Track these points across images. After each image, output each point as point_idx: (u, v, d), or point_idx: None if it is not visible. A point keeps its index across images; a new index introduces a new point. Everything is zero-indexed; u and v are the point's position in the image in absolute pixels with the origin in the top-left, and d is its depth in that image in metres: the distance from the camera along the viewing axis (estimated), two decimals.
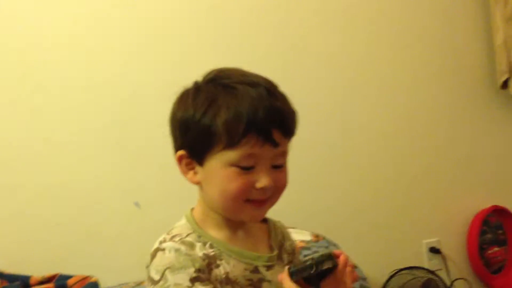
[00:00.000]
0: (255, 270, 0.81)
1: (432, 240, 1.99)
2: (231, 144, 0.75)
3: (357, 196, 1.88)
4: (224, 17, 1.70)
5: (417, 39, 1.96)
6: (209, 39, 1.67)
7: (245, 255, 0.82)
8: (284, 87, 0.81)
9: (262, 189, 0.77)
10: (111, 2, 1.60)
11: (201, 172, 0.80)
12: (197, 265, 0.75)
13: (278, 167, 0.79)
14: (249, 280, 0.80)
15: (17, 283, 1.34)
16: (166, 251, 0.76)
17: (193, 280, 0.74)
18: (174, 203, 1.52)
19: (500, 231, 2.07)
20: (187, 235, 0.79)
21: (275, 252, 0.86)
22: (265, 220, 0.90)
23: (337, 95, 1.86)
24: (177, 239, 0.78)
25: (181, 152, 0.81)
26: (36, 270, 1.40)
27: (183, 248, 0.76)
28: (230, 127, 0.75)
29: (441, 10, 1.99)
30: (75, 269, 1.42)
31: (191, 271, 0.74)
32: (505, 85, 2.01)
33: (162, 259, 0.76)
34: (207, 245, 0.79)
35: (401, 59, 1.94)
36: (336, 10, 1.85)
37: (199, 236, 0.80)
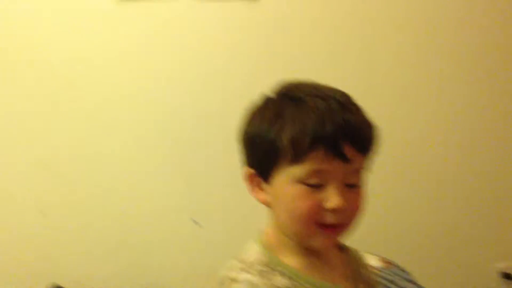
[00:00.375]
0: None
1: (504, 265, 1.86)
2: (297, 158, 0.70)
3: (426, 219, 1.80)
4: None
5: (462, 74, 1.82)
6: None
7: (323, 286, 0.75)
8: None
9: (334, 210, 0.70)
10: None
11: (269, 190, 0.75)
12: None
13: (352, 187, 0.73)
14: None
15: None
16: (241, 285, 0.72)
17: None
18: (235, 222, 1.58)
19: None
20: (264, 265, 0.74)
21: (351, 283, 0.80)
22: (340, 247, 0.83)
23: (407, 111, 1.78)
24: (254, 269, 0.73)
25: (249, 170, 0.77)
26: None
27: (261, 284, 0.71)
28: (296, 140, 0.71)
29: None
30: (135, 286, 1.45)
31: None
32: None
33: None
34: (284, 276, 0.74)
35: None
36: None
37: (276, 265, 0.74)
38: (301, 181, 0.71)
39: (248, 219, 1.27)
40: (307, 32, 1.70)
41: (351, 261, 0.84)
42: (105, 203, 1.55)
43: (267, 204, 0.77)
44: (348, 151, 0.71)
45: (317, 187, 0.71)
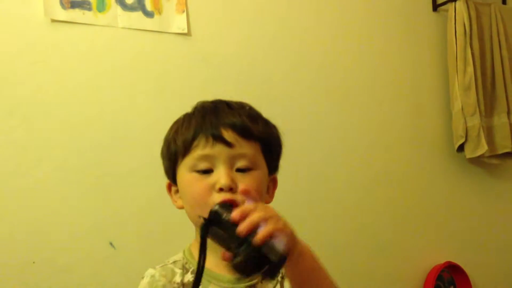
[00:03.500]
0: None
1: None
2: (186, 151, 0.81)
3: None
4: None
5: (385, 101, 2.10)
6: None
7: (225, 279, 0.82)
8: None
9: (221, 189, 0.76)
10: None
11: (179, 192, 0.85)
12: None
13: (243, 171, 0.79)
14: None
15: None
16: (145, 278, 0.82)
17: None
18: (150, 245, 1.59)
19: (451, 287, 2.18)
20: (173, 262, 0.84)
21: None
22: None
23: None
24: (159, 265, 0.83)
25: (167, 181, 0.88)
26: None
27: (157, 274, 0.81)
28: (184, 137, 0.82)
29: (407, 78, 2.16)
30: None
31: None
32: (461, 148, 2.16)
33: (139, 286, 0.82)
34: (190, 272, 0.82)
35: (369, 119, 2.07)
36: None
37: (186, 263, 0.83)
38: (193, 169, 0.80)
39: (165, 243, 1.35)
40: (232, 65, 1.82)
41: None
42: (22, 222, 1.50)
43: (183, 207, 0.84)
44: (229, 136, 0.79)
45: (207, 172, 0.79)
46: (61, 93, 1.58)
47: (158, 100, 1.70)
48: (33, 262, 1.48)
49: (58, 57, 1.58)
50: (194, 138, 0.81)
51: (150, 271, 0.83)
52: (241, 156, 0.80)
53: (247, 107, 0.87)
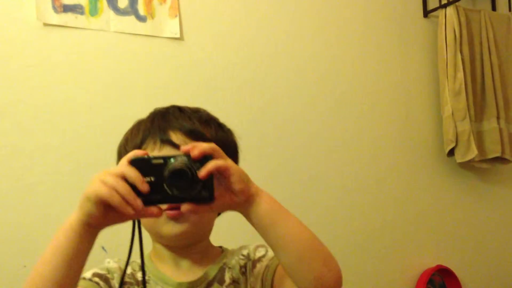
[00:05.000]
0: None
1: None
2: None
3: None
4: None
5: (376, 106, 2.12)
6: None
7: (170, 282, 0.84)
8: None
9: None
10: None
11: None
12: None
13: None
14: None
15: None
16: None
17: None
18: None
19: None
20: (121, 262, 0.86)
21: (199, 277, 0.85)
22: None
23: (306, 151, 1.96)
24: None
25: None
26: None
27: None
28: (133, 143, 0.82)
29: (398, 83, 2.18)
30: None
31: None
32: (451, 153, 2.18)
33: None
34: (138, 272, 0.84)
35: (359, 123, 2.08)
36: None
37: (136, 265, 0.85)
38: None
39: None
40: (224, 70, 1.82)
41: (221, 259, 0.89)
42: (9, 226, 1.49)
43: None
44: (177, 139, 0.79)
45: None
46: (53, 96, 1.58)
47: (150, 104, 1.67)
48: (24, 266, 1.47)
49: (51, 61, 1.58)
50: (142, 142, 0.81)
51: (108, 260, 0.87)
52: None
53: (201, 112, 0.87)
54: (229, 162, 0.67)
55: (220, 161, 0.65)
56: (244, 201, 0.68)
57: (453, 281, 2.17)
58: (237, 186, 0.66)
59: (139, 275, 0.84)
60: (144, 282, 0.80)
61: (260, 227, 0.71)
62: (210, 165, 0.64)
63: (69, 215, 0.69)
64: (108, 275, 0.85)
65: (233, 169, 0.66)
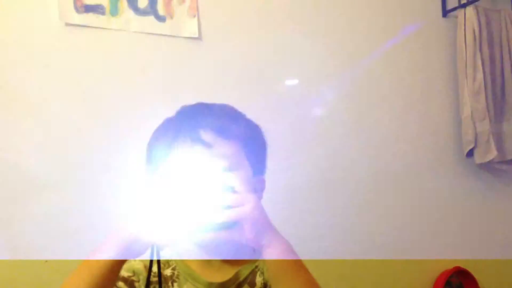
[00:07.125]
0: None
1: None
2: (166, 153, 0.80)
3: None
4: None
5: (394, 107, 2.11)
6: None
7: (200, 280, 0.84)
8: None
9: None
10: None
11: None
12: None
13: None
14: None
15: None
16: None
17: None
18: None
19: None
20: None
21: (230, 277, 0.85)
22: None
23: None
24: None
25: None
26: None
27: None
28: (163, 141, 0.82)
29: (416, 83, 2.16)
30: None
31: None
32: (470, 153, 2.16)
33: None
34: (170, 268, 0.85)
35: (378, 124, 2.07)
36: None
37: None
38: None
39: None
40: (243, 70, 1.83)
41: (252, 264, 0.89)
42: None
43: None
44: (207, 137, 0.78)
45: None
46: (74, 96, 1.61)
47: (169, 104, 1.70)
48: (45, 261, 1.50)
49: (72, 61, 1.61)
50: (173, 141, 0.81)
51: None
52: (221, 156, 0.78)
53: (228, 108, 0.87)
54: (247, 209, 0.70)
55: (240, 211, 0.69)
56: (253, 248, 0.72)
57: (471, 283, 2.15)
58: (247, 235, 0.70)
59: (166, 272, 0.85)
60: (159, 275, 0.80)
61: (268, 274, 0.75)
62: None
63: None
64: (133, 278, 0.85)
65: (247, 219, 0.70)
